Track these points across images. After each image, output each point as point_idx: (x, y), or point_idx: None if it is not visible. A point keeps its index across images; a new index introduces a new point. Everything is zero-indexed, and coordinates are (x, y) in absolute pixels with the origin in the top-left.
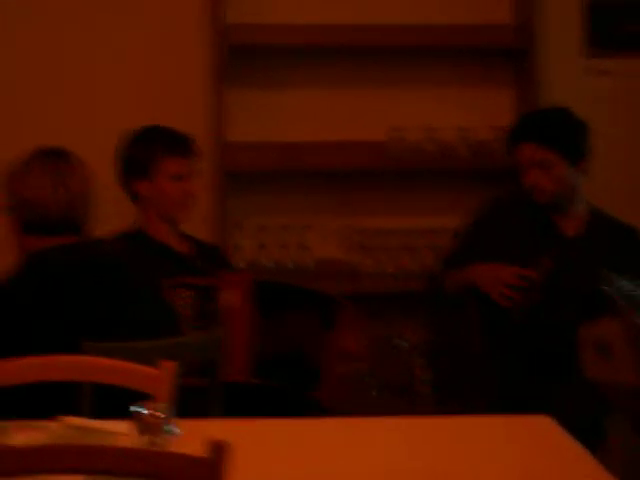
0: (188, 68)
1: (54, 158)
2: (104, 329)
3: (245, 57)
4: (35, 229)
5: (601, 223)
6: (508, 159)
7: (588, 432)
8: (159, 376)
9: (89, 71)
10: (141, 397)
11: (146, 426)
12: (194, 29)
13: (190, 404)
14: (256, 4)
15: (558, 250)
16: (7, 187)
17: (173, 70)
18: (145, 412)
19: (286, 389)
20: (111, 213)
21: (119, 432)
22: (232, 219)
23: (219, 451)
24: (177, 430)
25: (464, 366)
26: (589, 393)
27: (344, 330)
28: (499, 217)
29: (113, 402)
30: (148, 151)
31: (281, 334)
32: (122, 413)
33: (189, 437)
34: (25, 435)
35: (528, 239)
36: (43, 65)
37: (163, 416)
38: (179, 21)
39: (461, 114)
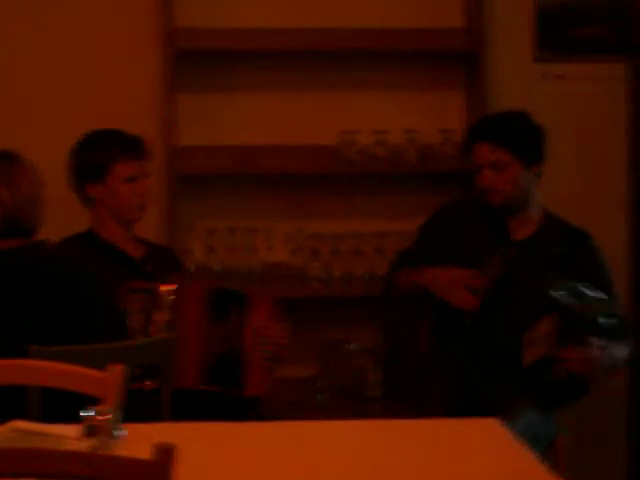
0: (138, 72)
1: (3, 161)
2: (50, 333)
3: (195, 61)
4: None
5: (554, 227)
6: (457, 163)
7: (536, 430)
8: (107, 380)
9: (38, 75)
10: (89, 401)
11: (93, 429)
12: (144, 33)
13: (140, 408)
14: (206, 8)
15: (506, 252)
16: None
17: (123, 74)
18: (92, 415)
19: (228, 393)
20: (63, 217)
21: (66, 436)
22: (182, 222)
23: (165, 454)
24: (124, 433)
25: (414, 369)
26: (536, 393)
27: (258, 317)
28: (451, 219)
29: (61, 406)
30: (101, 155)
31: (223, 337)
32: (71, 417)
33: (136, 440)
34: None
35: (479, 241)
36: None
37: (110, 419)
38: (128, 25)
39: (412, 117)
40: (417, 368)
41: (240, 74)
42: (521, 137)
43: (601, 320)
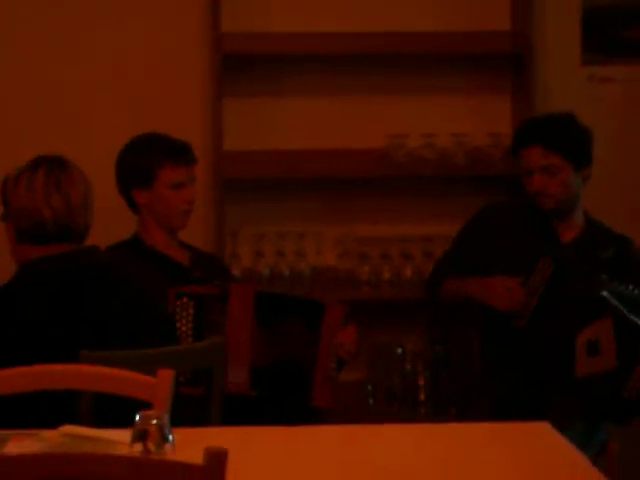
0: (185, 77)
1: (53, 167)
2: (101, 338)
3: (242, 66)
4: (30, 238)
5: (597, 231)
6: (505, 166)
7: (587, 438)
8: (157, 384)
9: (86, 81)
10: (140, 405)
11: (144, 434)
12: (191, 38)
13: (189, 413)
14: (252, 13)
15: (557, 254)
16: (3, 195)
17: (170, 79)
18: (143, 420)
19: (284, 399)
20: (110, 222)
21: (117, 440)
22: (229, 227)
23: (216, 459)
24: (174, 438)
25: (463, 375)
26: (587, 400)
27: (333, 328)
28: (492, 223)
29: (112, 410)
30: (149, 160)
31: (276, 343)
32: (121, 421)
33: (187, 445)
34: (22, 444)
35: (526, 244)
36: (41, 74)
37: (161, 424)
38: (176, 30)
39: (459, 121)
40: (466, 373)
41: (287, 78)
42: (573, 141)
43: None
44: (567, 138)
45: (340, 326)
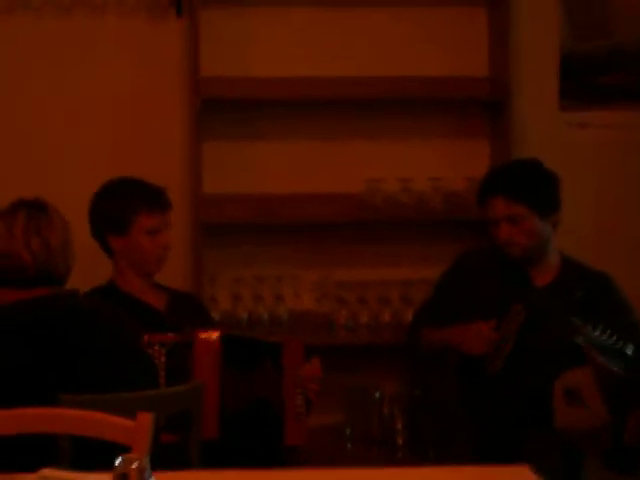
0: (164, 121)
1: (32, 210)
2: (83, 381)
3: (221, 110)
4: (10, 282)
5: (573, 272)
6: (482, 210)
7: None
8: (136, 428)
9: (66, 124)
10: (119, 449)
11: (123, 478)
12: (169, 82)
13: (168, 458)
14: (231, 57)
15: (530, 299)
16: None
17: (149, 123)
18: (123, 464)
19: (258, 442)
20: (86, 267)
21: None
22: (208, 271)
23: None
24: None
25: (441, 419)
26: (565, 440)
27: (295, 364)
28: (469, 271)
29: (92, 454)
30: (124, 206)
31: (249, 387)
32: (100, 465)
33: None
34: None
35: (500, 290)
36: (22, 118)
37: (141, 468)
38: (155, 74)
39: (437, 165)
40: (444, 417)
41: (266, 122)
42: (536, 189)
43: None
44: (529, 187)
45: (302, 361)
